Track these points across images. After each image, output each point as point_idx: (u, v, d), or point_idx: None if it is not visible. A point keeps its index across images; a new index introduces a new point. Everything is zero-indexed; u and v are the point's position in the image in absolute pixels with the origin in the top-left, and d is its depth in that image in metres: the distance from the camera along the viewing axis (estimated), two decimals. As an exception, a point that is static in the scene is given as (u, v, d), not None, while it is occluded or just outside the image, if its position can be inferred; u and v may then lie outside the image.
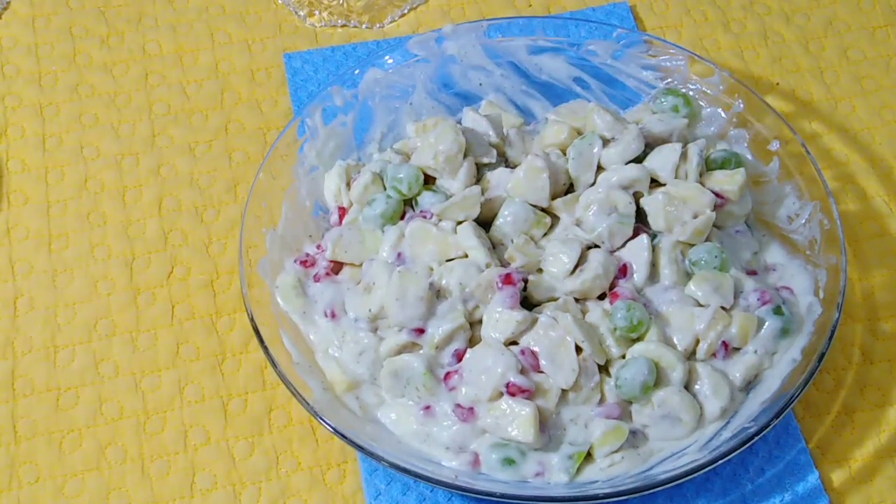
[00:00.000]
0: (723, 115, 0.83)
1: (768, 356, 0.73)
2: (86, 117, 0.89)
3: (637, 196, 0.77)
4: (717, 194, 0.76)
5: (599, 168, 0.78)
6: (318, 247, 0.78)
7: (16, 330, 0.80)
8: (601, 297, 0.75)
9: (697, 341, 0.73)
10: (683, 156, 0.77)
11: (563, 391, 0.71)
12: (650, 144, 0.79)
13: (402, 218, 0.78)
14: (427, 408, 0.72)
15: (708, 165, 0.79)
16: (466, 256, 0.75)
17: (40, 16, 0.95)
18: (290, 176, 0.80)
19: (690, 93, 0.83)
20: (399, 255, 0.75)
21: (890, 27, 0.95)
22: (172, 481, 0.75)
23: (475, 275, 0.73)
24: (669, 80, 0.84)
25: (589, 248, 0.75)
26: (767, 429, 0.69)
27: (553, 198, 0.77)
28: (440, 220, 0.76)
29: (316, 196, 0.81)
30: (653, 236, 0.76)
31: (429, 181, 0.79)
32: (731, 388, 0.72)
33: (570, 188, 0.78)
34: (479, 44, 0.85)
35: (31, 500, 0.74)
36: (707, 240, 0.76)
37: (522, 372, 0.71)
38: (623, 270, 0.75)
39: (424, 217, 0.77)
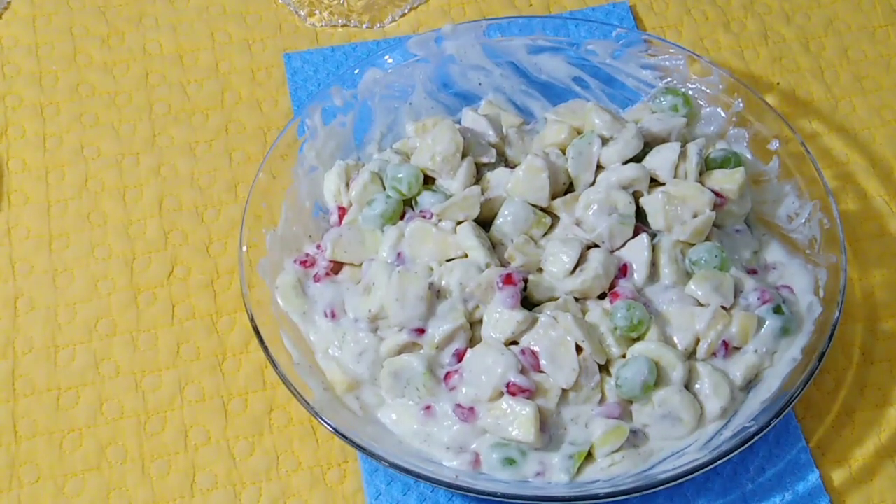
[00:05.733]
0: (722, 114, 0.83)
1: (768, 355, 0.73)
2: (86, 117, 0.89)
3: (637, 195, 0.77)
4: (716, 193, 0.76)
5: (599, 167, 0.78)
6: (318, 247, 0.78)
7: (16, 330, 0.80)
8: (601, 296, 0.75)
9: (697, 341, 0.73)
10: (683, 155, 0.77)
11: (564, 391, 0.71)
12: (649, 144, 0.79)
13: (401, 218, 0.78)
14: (427, 408, 0.72)
15: (707, 165, 0.79)
16: (466, 256, 0.75)
17: (41, 15, 0.95)
18: (290, 176, 0.80)
19: (690, 92, 0.83)
20: (399, 255, 0.75)
21: (890, 27, 0.95)
22: (173, 481, 0.75)
23: (475, 275, 0.73)
24: (669, 79, 0.84)
25: (589, 247, 0.75)
26: (768, 428, 0.69)
27: (553, 197, 0.77)
28: (440, 220, 0.76)
29: (316, 196, 0.81)
30: (653, 236, 0.76)
31: (429, 181, 0.79)
32: (732, 388, 0.72)
33: (569, 188, 0.78)
34: (479, 43, 0.85)
35: (32, 500, 0.74)
36: (707, 239, 0.76)
37: (523, 372, 0.71)
38: (623, 270, 0.75)
39: (424, 217, 0.77)
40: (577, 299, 0.74)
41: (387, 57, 0.84)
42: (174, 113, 0.90)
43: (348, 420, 0.71)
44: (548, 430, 0.71)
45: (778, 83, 0.91)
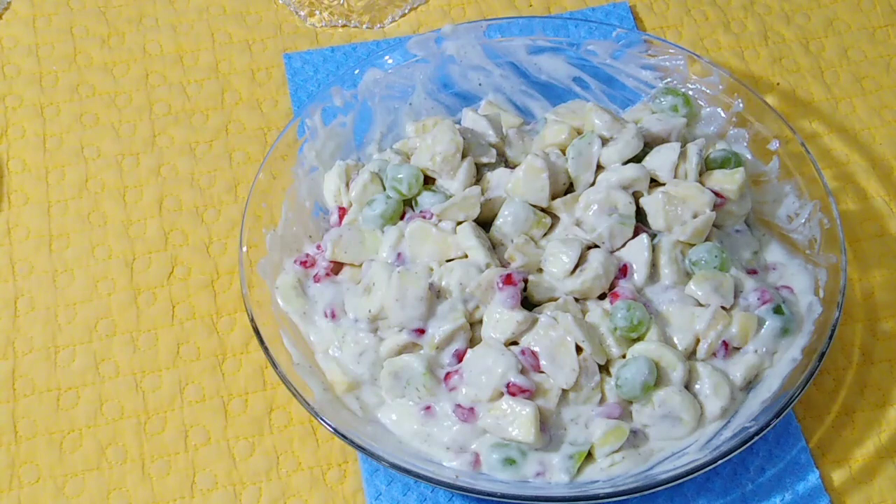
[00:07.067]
0: (722, 114, 0.83)
1: (768, 355, 0.73)
2: (86, 117, 0.90)
3: (637, 196, 0.77)
4: (716, 194, 0.76)
5: (599, 167, 0.78)
6: (318, 247, 0.78)
7: (16, 330, 0.80)
8: (601, 297, 0.75)
9: (698, 341, 0.73)
10: (682, 155, 0.77)
11: (564, 391, 0.71)
12: (649, 144, 0.79)
13: (401, 218, 0.78)
14: (427, 408, 0.72)
15: (707, 165, 0.79)
16: (466, 257, 0.75)
17: (41, 16, 0.95)
18: (290, 176, 0.80)
19: (690, 92, 0.83)
20: (399, 255, 0.75)
21: (890, 27, 0.95)
22: (173, 481, 0.75)
23: (475, 275, 0.73)
24: (669, 79, 0.84)
25: (589, 248, 0.75)
26: (768, 428, 0.69)
27: (553, 198, 0.77)
28: (440, 221, 0.76)
29: (316, 196, 0.81)
30: (653, 236, 0.76)
31: (429, 181, 0.79)
32: (732, 388, 0.72)
33: (569, 188, 0.79)
34: (479, 44, 0.85)
35: (32, 500, 0.74)
36: (707, 239, 0.76)
37: (523, 372, 0.71)
38: (623, 270, 0.75)
39: (424, 217, 0.77)
40: (577, 299, 0.74)
41: (387, 57, 0.84)
42: (174, 113, 0.90)
43: (348, 420, 0.72)
44: (548, 430, 0.71)
45: (778, 83, 0.91)
